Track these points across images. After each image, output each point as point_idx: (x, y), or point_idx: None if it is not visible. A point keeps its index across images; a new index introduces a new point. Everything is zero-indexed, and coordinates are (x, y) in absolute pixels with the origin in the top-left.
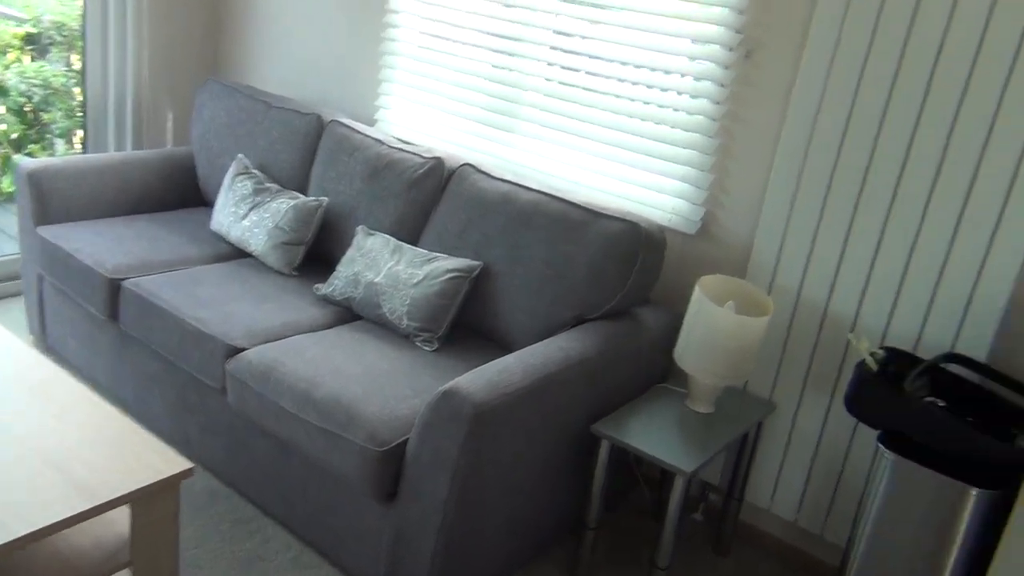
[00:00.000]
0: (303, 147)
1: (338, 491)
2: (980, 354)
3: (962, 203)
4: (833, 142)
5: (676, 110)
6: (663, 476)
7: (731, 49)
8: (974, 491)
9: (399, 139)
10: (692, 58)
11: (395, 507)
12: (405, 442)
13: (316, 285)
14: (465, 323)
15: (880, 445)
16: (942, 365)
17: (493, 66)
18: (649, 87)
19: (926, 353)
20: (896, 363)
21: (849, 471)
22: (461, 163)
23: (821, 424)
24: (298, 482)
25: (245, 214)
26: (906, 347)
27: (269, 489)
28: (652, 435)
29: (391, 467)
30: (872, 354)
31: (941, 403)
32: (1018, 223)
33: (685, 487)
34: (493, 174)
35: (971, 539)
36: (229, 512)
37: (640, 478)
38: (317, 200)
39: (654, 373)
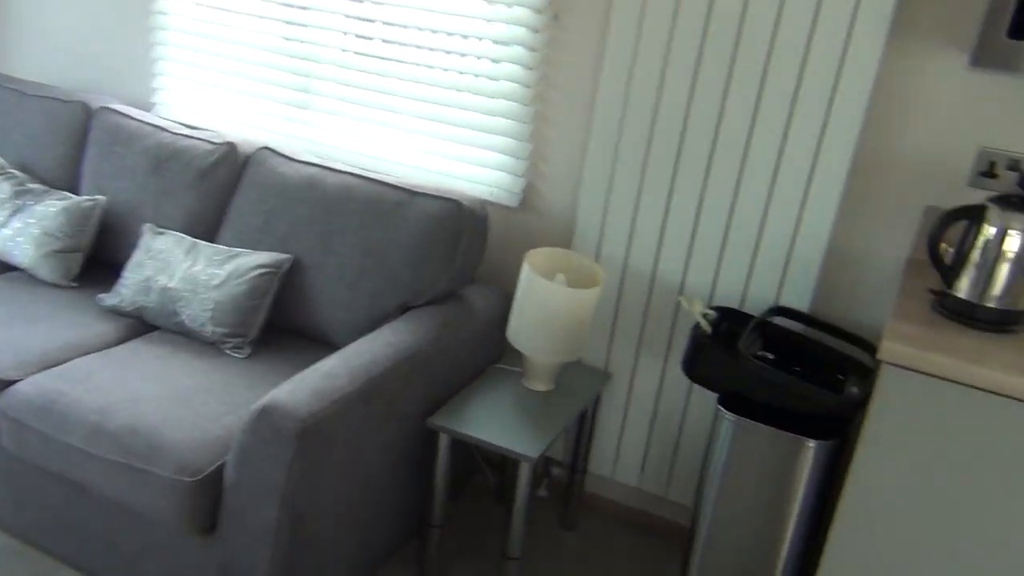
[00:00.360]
0: (69, 140)
1: (149, 530)
2: (803, 305)
3: (775, 160)
4: (647, 105)
5: (487, 78)
6: (504, 458)
7: (539, 11)
8: (811, 443)
9: (183, 124)
10: (498, 21)
11: (217, 540)
12: (222, 467)
13: (99, 296)
14: (279, 324)
15: (720, 408)
16: (770, 319)
17: (284, 38)
18: (450, 54)
19: (753, 308)
20: (727, 322)
21: (688, 431)
22: (257, 147)
23: (657, 388)
24: (101, 525)
25: (5, 221)
26: (733, 304)
27: (68, 538)
28: (492, 422)
29: (207, 497)
30: (704, 315)
31: (771, 356)
32: (830, 175)
33: (531, 473)
34: (295, 157)
35: (812, 489)
36: (23, 570)
37: (481, 462)
38: (92, 199)
39: (489, 355)
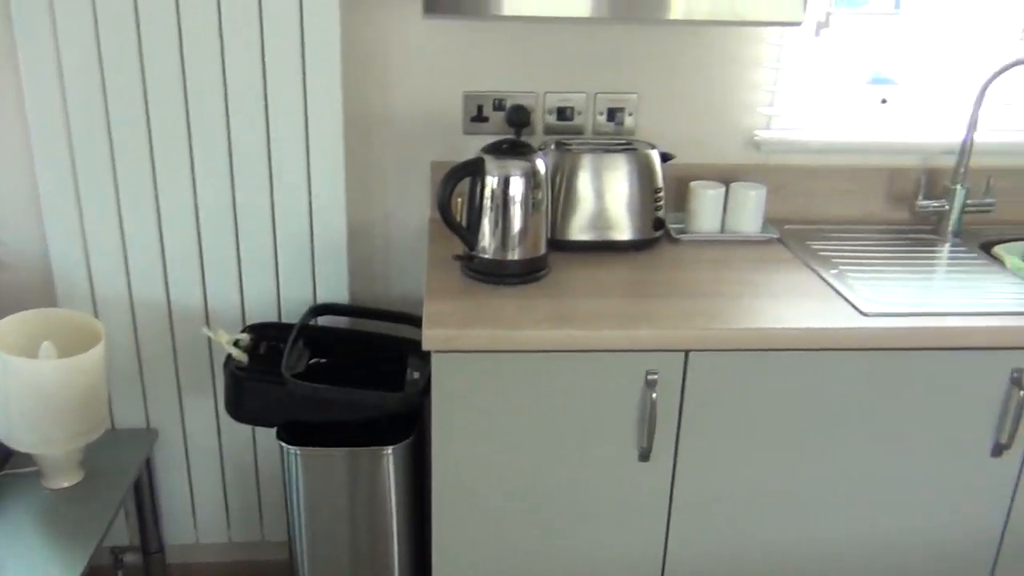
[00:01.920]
0: None
1: None
2: (343, 296)
3: (264, 145)
4: (94, 106)
5: None
6: None
7: None
8: (387, 450)
9: None
10: None
11: None
12: None
13: None
14: None
15: (281, 443)
16: (311, 322)
17: None
18: None
19: (292, 316)
20: (267, 340)
21: (264, 465)
22: None
23: (215, 431)
24: None
25: None
26: (271, 318)
27: None
28: (6, 554)
29: None
30: (236, 343)
31: (324, 362)
32: (327, 150)
33: None
34: None
35: (406, 492)
36: None
37: None
38: None
39: None
